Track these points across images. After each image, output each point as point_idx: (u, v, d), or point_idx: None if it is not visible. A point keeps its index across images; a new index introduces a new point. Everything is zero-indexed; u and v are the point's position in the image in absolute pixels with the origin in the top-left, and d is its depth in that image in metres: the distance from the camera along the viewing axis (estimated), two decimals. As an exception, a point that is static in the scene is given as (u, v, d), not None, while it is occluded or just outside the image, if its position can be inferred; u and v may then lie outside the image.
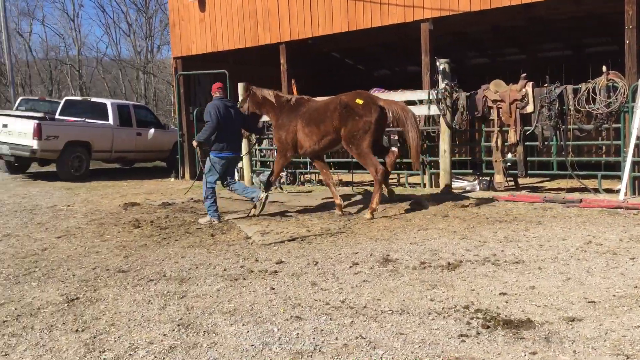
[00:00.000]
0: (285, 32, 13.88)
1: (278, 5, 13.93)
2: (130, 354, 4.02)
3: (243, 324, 4.51)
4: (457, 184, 11.46)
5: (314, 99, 9.72)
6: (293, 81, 14.03)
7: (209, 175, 8.85)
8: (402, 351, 3.90)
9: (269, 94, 9.50)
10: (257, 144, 12.25)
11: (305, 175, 13.61)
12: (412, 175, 12.42)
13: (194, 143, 9.02)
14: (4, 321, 4.75)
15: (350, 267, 6.04)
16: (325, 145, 9.09)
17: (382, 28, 12.65)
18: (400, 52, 19.91)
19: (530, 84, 10.11)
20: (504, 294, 4.99)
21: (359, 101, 8.63)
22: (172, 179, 15.84)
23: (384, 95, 11.84)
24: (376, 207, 8.70)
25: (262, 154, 14.47)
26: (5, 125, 14.44)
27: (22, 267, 6.45)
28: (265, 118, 10.42)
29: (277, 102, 9.45)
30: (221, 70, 15.25)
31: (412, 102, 11.69)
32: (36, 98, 23.23)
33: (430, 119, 11.31)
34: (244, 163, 13.31)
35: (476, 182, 11.40)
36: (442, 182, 10.81)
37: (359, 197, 10.83)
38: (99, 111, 16.40)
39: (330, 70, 21.38)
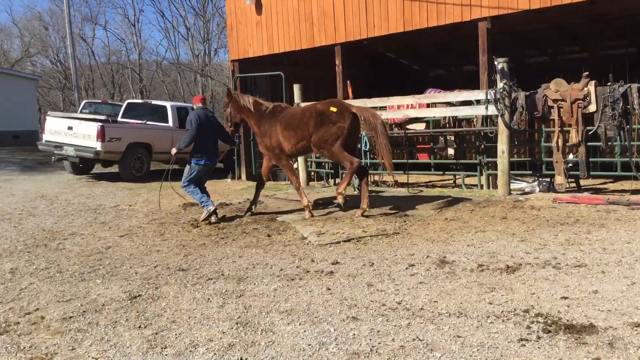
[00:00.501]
0: (341, 34, 13.91)
1: (334, 6, 13.97)
2: (190, 351, 4.12)
3: (300, 324, 4.56)
4: (516, 185, 11.21)
5: (290, 106, 10.22)
6: (348, 82, 14.04)
7: (186, 180, 9.26)
8: (460, 354, 3.86)
9: (249, 101, 9.60)
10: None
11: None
12: (468, 176, 12.23)
13: (173, 151, 9.47)
14: (71, 317, 4.95)
15: (407, 268, 6.01)
16: (299, 150, 9.42)
17: (438, 28, 12.51)
18: (456, 52, 19.64)
19: (593, 82, 9.81)
20: (566, 298, 4.86)
21: (333, 109, 9.04)
22: (229, 180, 16.11)
23: (440, 96, 11.75)
24: (342, 192, 8.97)
25: (318, 155, 14.54)
26: (70, 128, 15.01)
27: (87, 265, 6.70)
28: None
29: (256, 109, 9.58)
30: (277, 72, 15.42)
31: (469, 102, 11.53)
32: (99, 101, 24.06)
33: (488, 119, 11.11)
34: (299, 163, 13.40)
35: (535, 183, 11.13)
36: (500, 183, 10.60)
37: (412, 200, 10.73)
38: (159, 113, 16.85)
39: (384, 70, 21.27)
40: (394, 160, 13.17)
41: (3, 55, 51.90)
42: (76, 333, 4.56)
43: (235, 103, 9.70)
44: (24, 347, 4.31)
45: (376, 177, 13.64)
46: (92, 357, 4.07)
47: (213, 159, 9.47)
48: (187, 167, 9.32)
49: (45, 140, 15.61)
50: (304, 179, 13.36)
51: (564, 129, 10.13)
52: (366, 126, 9.30)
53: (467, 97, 11.34)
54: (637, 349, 3.78)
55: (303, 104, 11.10)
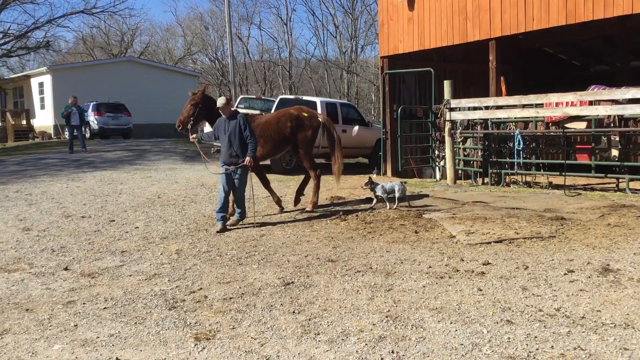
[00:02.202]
0: (496, 28, 13.41)
1: None
2: (342, 339, 4.22)
3: (451, 322, 4.48)
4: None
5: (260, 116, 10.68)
6: (502, 78, 13.53)
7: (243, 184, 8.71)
8: (629, 369, 3.58)
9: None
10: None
11: (512, 176, 13.06)
12: (634, 180, 11.27)
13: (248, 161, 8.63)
14: (231, 298, 5.26)
15: (565, 274, 5.68)
16: (274, 153, 10.15)
17: (604, 20, 11.64)
18: (623, 46, 18.15)
19: None
20: None
21: (305, 114, 9.98)
22: (375, 175, 16.20)
23: (605, 93, 10.98)
24: (316, 201, 9.92)
25: (466, 154, 14.20)
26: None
27: (243, 250, 7.08)
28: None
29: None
30: (427, 69, 15.23)
31: (638, 100, 10.62)
32: (254, 97, 25.27)
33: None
34: (447, 160, 13.15)
35: None
36: (672, 188, 9.66)
37: (569, 203, 10.10)
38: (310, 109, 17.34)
39: (541, 66, 20.20)
40: (550, 161, 12.58)
41: (168, 53, 56.41)
42: (236, 313, 4.84)
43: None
44: (190, 323, 4.65)
45: (528, 178, 13.03)
46: (251, 337, 4.30)
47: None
48: (243, 171, 8.61)
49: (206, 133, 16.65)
50: (451, 177, 13.10)
51: None
52: (326, 136, 10.21)
53: (637, 94, 10.43)
54: None
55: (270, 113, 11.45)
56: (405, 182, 10.21)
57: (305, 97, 18.94)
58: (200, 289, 5.57)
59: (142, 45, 54.07)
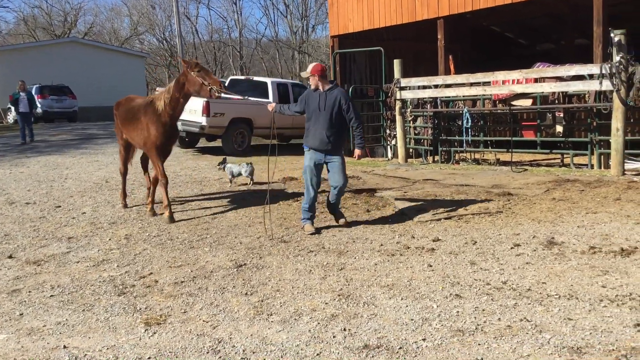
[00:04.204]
0: (444, 6, 13.53)
1: (436, -22, 13.60)
2: (295, 319, 4.22)
3: (402, 298, 4.55)
4: (631, 165, 10.54)
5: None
6: (450, 57, 13.68)
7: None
8: (571, 337, 3.71)
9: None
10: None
11: (461, 154, 13.28)
12: (577, 155, 11.62)
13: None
14: (182, 281, 5.20)
15: (512, 248, 5.83)
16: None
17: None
18: (567, 25, 18.57)
19: None
20: (689, 285, 4.54)
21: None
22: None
23: (550, 71, 11.20)
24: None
25: (417, 132, 14.36)
26: (177, 103, 15.60)
27: (195, 234, 6.99)
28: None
29: None
30: (377, 48, 15.26)
31: (581, 77, 10.91)
32: (203, 78, 24.86)
33: (602, 95, 10.46)
34: (398, 139, 13.27)
35: (653, 163, 10.42)
36: (614, 163, 10.00)
37: (516, 179, 10.35)
38: (260, 89, 17.17)
39: (487, 44, 20.51)
40: (498, 138, 12.83)
41: (113, 34, 54.89)
42: (188, 297, 4.79)
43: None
44: (140, 309, 4.57)
45: (477, 155, 13.29)
46: (203, 320, 4.27)
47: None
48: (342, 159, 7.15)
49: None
50: (402, 156, 13.24)
51: (688, 105, 9.38)
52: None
53: (580, 71, 10.72)
54: None
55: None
56: (251, 163, 10.40)
57: (256, 78, 18.76)
58: (151, 273, 5.48)
59: (87, 25, 52.52)
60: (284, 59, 52.10)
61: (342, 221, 7.23)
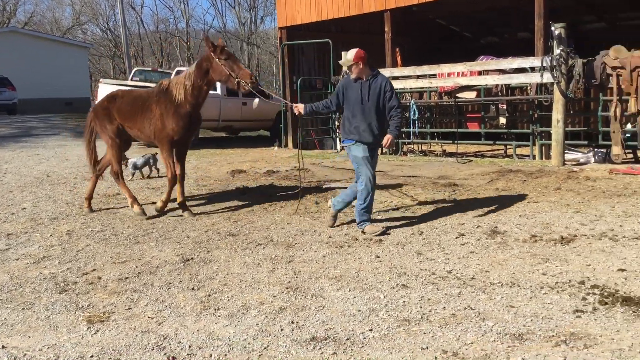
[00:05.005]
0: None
1: (383, -29, 13.66)
2: (243, 313, 4.19)
3: (349, 290, 4.57)
4: (570, 156, 10.90)
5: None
6: (397, 49, 13.80)
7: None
8: (514, 324, 3.80)
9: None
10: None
11: (408, 146, 13.45)
12: (520, 146, 11.94)
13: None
14: (126, 277, 5.08)
15: (457, 238, 5.94)
16: None
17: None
18: (511, 18, 18.99)
19: (656, 49, 9.38)
20: (623, 270, 4.73)
21: None
22: (276, 148, 16.17)
23: (493, 63, 11.45)
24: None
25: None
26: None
27: (140, 228, 6.85)
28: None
29: None
30: (325, 40, 15.25)
31: (523, 70, 11.19)
32: (149, 69, 24.38)
33: (543, 87, 10.76)
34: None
35: (591, 154, 10.79)
36: (554, 153, 10.32)
37: (461, 170, 10.56)
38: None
39: (434, 37, 20.80)
40: (444, 130, 13.04)
41: (55, 24, 53.10)
42: (132, 293, 4.69)
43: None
44: (82, 306, 4.45)
45: (424, 147, 13.48)
46: (148, 317, 4.18)
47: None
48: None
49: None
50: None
51: (623, 97, 9.75)
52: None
53: (522, 64, 11.00)
54: (700, 325, 3.65)
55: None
56: (156, 154, 10.08)
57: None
58: (94, 270, 5.34)
59: (27, 15, 50.55)
60: (233, 51, 51.26)
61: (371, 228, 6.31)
